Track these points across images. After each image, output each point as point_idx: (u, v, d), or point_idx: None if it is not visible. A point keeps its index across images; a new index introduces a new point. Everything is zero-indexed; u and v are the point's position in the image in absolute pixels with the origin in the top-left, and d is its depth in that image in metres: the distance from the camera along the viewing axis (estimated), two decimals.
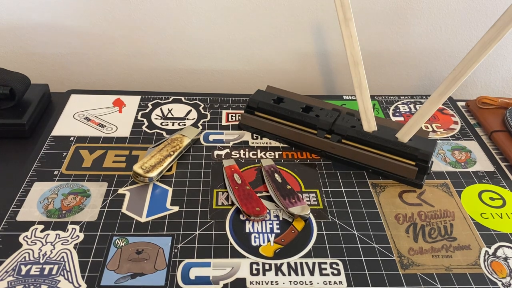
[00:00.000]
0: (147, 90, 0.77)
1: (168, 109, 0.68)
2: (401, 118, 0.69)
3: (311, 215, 0.51)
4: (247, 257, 0.46)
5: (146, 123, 0.65)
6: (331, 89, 0.82)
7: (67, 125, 0.64)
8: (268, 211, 0.52)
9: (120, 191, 0.53)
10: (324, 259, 0.46)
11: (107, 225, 0.49)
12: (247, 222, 0.50)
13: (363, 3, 0.72)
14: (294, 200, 0.51)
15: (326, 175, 0.57)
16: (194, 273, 0.44)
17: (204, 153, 0.60)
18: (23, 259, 0.45)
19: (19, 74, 0.64)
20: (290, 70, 0.79)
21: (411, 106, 0.72)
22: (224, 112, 0.68)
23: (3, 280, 0.43)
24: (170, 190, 0.54)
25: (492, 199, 0.55)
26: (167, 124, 0.65)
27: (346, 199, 0.54)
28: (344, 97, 0.73)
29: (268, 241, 0.48)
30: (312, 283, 0.44)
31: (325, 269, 0.45)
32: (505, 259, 0.47)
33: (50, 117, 0.65)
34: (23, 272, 0.44)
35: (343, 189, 0.55)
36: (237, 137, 0.63)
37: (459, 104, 0.73)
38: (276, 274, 0.45)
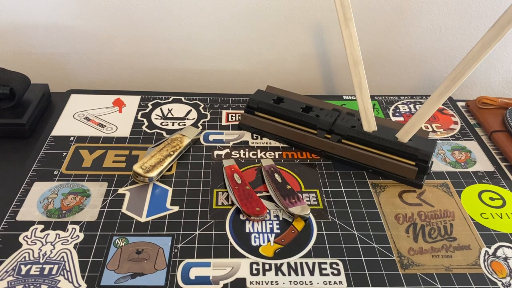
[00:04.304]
0: (147, 90, 0.77)
1: (168, 109, 0.68)
2: (401, 118, 0.69)
3: (311, 215, 0.51)
4: (247, 257, 0.46)
5: (146, 123, 0.65)
6: (331, 89, 0.82)
7: (67, 125, 0.64)
8: (268, 211, 0.52)
9: (120, 191, 0.53)
10: (324, 259, 0.46)
11: (107, 225, 0.49)
12: (247, 222, 0.50)
13: (363, 3, 0.72)
14: (294, 200, 0.51)
15: (326, 175, 0.57)
16: (194, 273, 0.45)
17: (204, 153, 0.60)
18: (23, 259, 0.45)
19: (19, 74, 0.64)
20: (290, 70, 0.79)
21: (411, 106, 0.72)
22: (224, 112, 0.68)
23: (3, 280, 0.43)
24: (170, 190, 0.54)
25: (492, 199, 0.55)
26: (167, 124, 0.65)
27: (346, 199, 0.54)
28: (344, 97, 0.73)
29: (268, 241, 0.48)
30: (312, 283, 0.44)
31: (325, 269, 0.45)
32: (505, 259, 0.47)
33: (50, 117, 0.66)
34: (23, 272, 0.44)
35: (343, 189, 0.55)
36: (237, 137, 0.63)
37: (459, 104, 0.73)
38: (276, 274, 0.45)
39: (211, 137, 0.63)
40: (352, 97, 0.73)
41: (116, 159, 0.58)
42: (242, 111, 0.67)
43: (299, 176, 0.57)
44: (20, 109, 0.63)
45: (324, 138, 0.59)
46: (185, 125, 0.65)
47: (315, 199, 0.53)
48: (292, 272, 0.45)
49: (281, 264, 0.46)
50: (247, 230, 0.49)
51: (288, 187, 0.53)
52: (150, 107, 0.69)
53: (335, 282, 0.44)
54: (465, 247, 0.49)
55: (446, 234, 0.50)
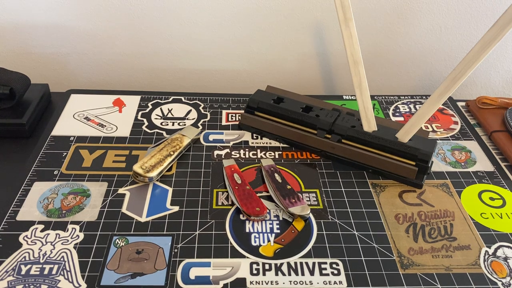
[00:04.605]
0: (147, 90, 0.77)
1: (168, 109, 0.68)
2: (401, 118, 0.69)
3: (311, 215, 0.51)
4: (247, 257, 0.46)
5: (146, 123, 0.65)
6: (331, 89, 0.82)
7: (67, 125, 0.64)
8: (268, 211, 0.52)
9: (120, 191, 0.53)
10: (324, 259, 0.46)
11: (107, 225, 0.49)
12: (247, 222, 0.50)
13: (363, 3, 0.72)
14: (294, 200, 0.51)
15: (326, 175, 0.57)
16: (194, 273, 0.45)
17: (204, 153, 0.60)
18: (23, 259, 0.45)
19: (19, 74, 0.64)
20: (290, 70, 0.79)
21: (411, 106, 0.72)
22: (224, 112, 0.68)
23: (3, 280, 0.43)
24: (170, 190, 0.54)
25: (492, 199, 0.55)
26: (167, 124, 0.65)
27: (346, 199, 0.54)
28: (344, 97, 0.73)
29: (268, 241, 0.48)
30: (312, 283, 0.44)
31: (325, 269, 0.45)
32: (505, 259, 0.47)
33: (50, 117, 0.65)
34: (23, 272, 0.44)
35: (343, 189, 0.55)
36: (237, 137, 0.63)
37: (459, 104, 0.73)
38: (276, 274, 0.45)
39: (211, 137, 0.63)
40: (352, 97, 0.73)
41: (116, 159, 0.58)
42: (242, 111, 0.67)
43: (299, 176, 0.57)
44: (20, 109, 0.63)
45: (324, 138, 0.59)
46: (185, 125, 0.65)
47: (315, 199, 0.53)
48: (292, 272, 0.45)
49: (281, 264, 0.46)
50: (247, 230, 0.49)
51: (288, 187, 0.53)
52: (150, 107, 0.69)
53: (335, 282, 0.44)
54: (465, 247, 0.49)
55: (446, 234, 0.50)
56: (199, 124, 0.65)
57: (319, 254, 0.47)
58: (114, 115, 0.66)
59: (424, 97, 0.74)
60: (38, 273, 0.44)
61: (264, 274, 0.45)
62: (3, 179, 0.55)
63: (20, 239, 0.47)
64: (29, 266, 0.44)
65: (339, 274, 0.45)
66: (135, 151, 0.60)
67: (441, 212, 0.53)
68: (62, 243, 0.47)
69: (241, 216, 0.51)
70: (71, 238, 0.47)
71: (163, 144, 0.58)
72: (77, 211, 0.50)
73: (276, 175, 0.55)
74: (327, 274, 0.45)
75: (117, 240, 0.47)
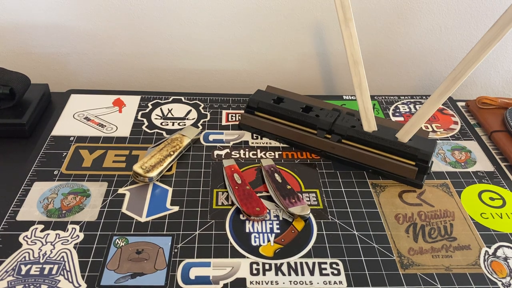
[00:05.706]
0: (147, 90, 0.77)
1: (168, 109, 0.68)
2: (401, 118, 0.69)
3: (311, 215, 0.51)
4: (247, 257, 0.46)
5: (146, 123, 0.65)
6: (331, 89, 0.82)
7: (67, 125, 0.64)
8: (268, 211, 0.52)
9: (120, 191, 0.53)
10: (324, 259, 0.46)
11: (107, 225, 0.49)
12: (247, 222, 0.50)
13: (363, 3, 0.72)
14: (294, 200, 0.51)
15: (326, 175, 0.57)
16: (194, 273, 0.45)
17: (204, 153, 0.60)
18: (23, 259, 0.45)
19: (19, 74, 0.64)
20: (290, 70, 0.79)
21: (411, 106, 0.72)
22: (224, 112, 0.68)
23: (3, 280, 0.43)
24: (170, 190, 0.54)
25: (492, 199, 0.55)
26: (167, 124, 0.65)
27: (346, 199, 0.54)
28: (344, 97, 0.73)
29: (268, 241, 0.48)
30: (312, 283, 0.44)
31: (325, 269, 0.45)
32: (505, 259, 0.47)
33: (50, 117, 0.66)
34: (23, 272, 0.44)
35: (343, 189, 0.55)
36: (237, 137, 0.63)
37: (459, 104, 0.73)
38: (276, 274, 0.45)
39: (211, 137, 0.63)
40: (352, 97, 0.73)
41: (116, 159, 0.58)
42: (242, 111, 0.67)
43: (299, 176, 0.57)
44: (20, 109, 0.63)
45: (324, 138, 0.59)
46: (185, 125, 0.65)
47: (315, 199, 0.53)
48: (292, 272, 0.45)
49: (281, 264, 0.46)
50: (247, 230, 0.49)
51: (288, 187, 0.53)
52: (150, 107, 0.69)
53: (335, 282, 0.44)
54: (465, 247, 0.49)
55: (446, 234, 0.50)
56: (199, 124, 0.65)
57: (319, 254, 0.47)
58: (114, 115, 0.66)
59: (424, 97, 0.74)
60: (38, 273, 0.44)
61: (264, 274, 0.45)
62: (3, 179, 0.55)
63: (20, 239, 0.47)
64: (29, 266, 0.44)
65: (339, 274, 0.45)
66: (135, 151, 0.60)
67: (441, 212, 0.53)
68: (62, 243, 0.47)
69: (241, 216, 0.51)
70: (71, 238, 0.47)
71: (163, 144, 0.58)
72: (77, 211, 0.50)
73: (276, 175, 0.55)
74: (327, 274, 0.45)
75: (117, 240, 0.47)
